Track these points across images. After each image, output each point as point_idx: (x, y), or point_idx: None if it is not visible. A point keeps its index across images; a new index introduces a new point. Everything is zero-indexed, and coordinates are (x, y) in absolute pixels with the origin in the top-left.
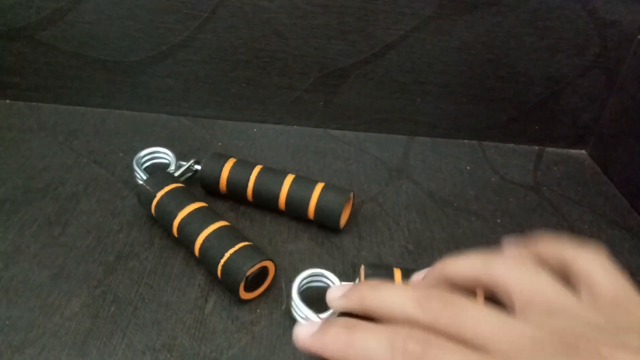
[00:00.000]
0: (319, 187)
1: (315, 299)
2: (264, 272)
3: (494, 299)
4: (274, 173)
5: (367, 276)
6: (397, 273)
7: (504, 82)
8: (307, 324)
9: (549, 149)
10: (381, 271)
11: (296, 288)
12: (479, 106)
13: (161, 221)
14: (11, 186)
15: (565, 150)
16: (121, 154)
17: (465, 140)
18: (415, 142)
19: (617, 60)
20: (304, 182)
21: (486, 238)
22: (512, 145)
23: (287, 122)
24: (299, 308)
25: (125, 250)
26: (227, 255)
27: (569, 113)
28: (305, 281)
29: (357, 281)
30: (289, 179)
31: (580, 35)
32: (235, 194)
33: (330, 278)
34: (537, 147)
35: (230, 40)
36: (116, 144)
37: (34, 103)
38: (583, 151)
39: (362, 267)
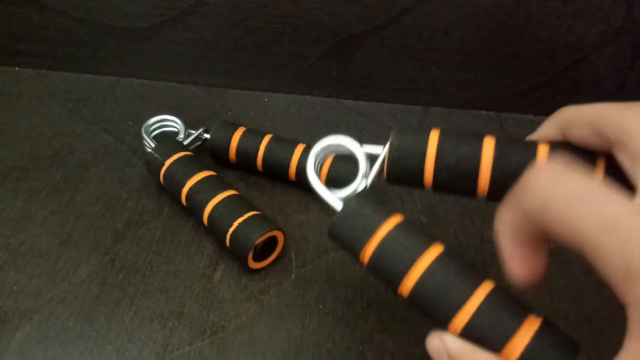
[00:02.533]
0: (331, 156)
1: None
2: (273, 241)
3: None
4: (285, 142)
5: (393, 150)
6: (434, 139)
7: (524, 50)
8: None
9: None
10: (413, 133)
11: (314, 163)
12: (497, 75)
13: (170, 189)
14: (20, 153)
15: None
16: (130, 122)
17: (483, 111)
18: (430, 112)
19: None
20: None
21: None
22: (530, 116)
23: (299, 92)
24: (322, 193)
25: (134, 218)
26: (235, 224)
27: (591, 83)
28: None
29: (386, 146)
30: (300, 148)
31: (606, 0)
32: (244, 164)
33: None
34: None
35: (240, 5)
36: (125, 112)
37: (43, 71)
38: None
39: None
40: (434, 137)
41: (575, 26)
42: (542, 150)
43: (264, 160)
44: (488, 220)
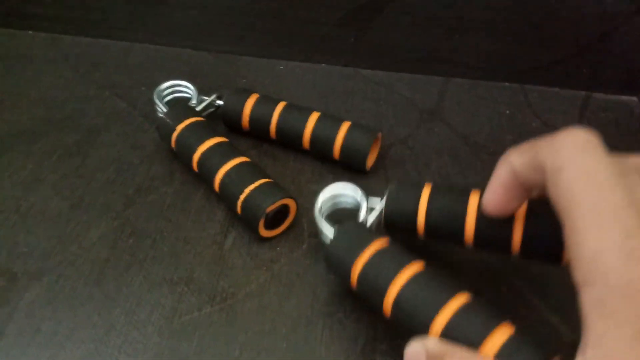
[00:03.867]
0: (345, 125)
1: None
2: (284, 210)
3: None
4: (299, 110)
5: (391, 195)
6: (426, 191)
7: (551, 20)
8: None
9: (597, 95)
10: (408, 188)
11: (318, 211)
12: (523, 46)
13: (181, 155)
14: (32, 116)
15: (614, 97)
16: (143, 88)
17: (507, 83)
18: (451, 83)
19: None
20: (330, 121)
21: None
22: (556, 89)
23: (315, 60)
24: (324, 230)
25: (144, 184)
26: (247, 191)
27: (621, 55)
28: (326, 205)
29: (384, 199)
30: (314, 117)
31: None
32: (257, 131)
33: (351, 193)
34: (583, 92)
35: None
36: (138, 78)
37: (56, 35)
38: (634, 98)
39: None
40: (425, 192)
41: None
42: (522, 209)
43: (277, 128)
44: None
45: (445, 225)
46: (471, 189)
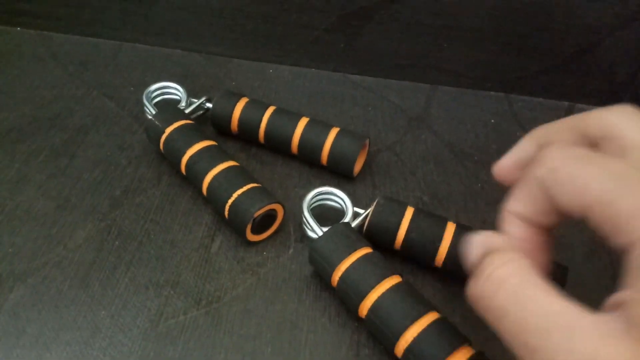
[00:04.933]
0: (334, 131)
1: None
2: (272, 215)
3: None
4: (288, 115)
5: (378, 207)
6: (410, 211)
7: (538, 31)
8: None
9: (580, 105)
10: (395, 205)
11: (307, 205)
12: (509, 56)
13: (169, 158)
14: (19, 115)
15: (596, 108)
16: (132, 88)
17: (492, 92)
18: (438, 91)
19: None
20: (319, 126)
21: (507, 194)
22: (540, 99)
23: (305, 64)
24: (310, 224)
25: (132, 185)
26: (235, 195)
27: (604, 67)
28: (315, 199)
29: (370, 209)
30: (303, 122)
31: None
32: (246, 135)
33: (340, 196)
34: (567, 103)
35: None
36: (127, 78)
37: (45, 32)
38: None
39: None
40: (408, 213)
41: (592, 8)
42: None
43: (266, 132)
44: (491, 203)
45: (421, 246)
46: (448, 219)
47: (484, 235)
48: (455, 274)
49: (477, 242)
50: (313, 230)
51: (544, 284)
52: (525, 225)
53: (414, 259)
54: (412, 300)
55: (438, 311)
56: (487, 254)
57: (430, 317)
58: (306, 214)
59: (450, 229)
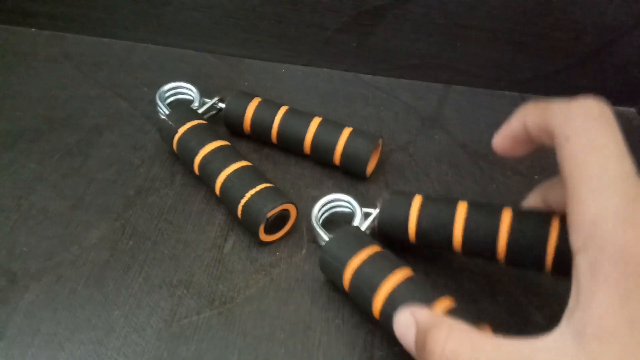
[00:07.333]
0: (347, 131)
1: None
2: (285, 215)
3: None
4: (300, 115)
5: (385, 202)
6: (417, 199)
7: (553, 30)
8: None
9: None
10: (401, 198)
11: (315, 217)
12: (523, 55)
13: (182, 158)
14: (33, 115)
15: (613, 108)
16: (145, 89)
17: (506, 92)
18: (451, 90)
19: None
20: (331, 126)
21: (522, 195)
22: (555, 99)
23: (317, 64)
24: (321, 235)
25: (145, 185)
26: (248, 195)
27: (620, 67)
28: (322, 210)
29: (377, 207)
30: (316, 122)
31: None
32: (259, 135)
33: (347, 200)
34: None
35: None
36: (140, 78)
37: (58, 33)
38: (632, 109)
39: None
40: (416, 202)
41: (608, 6)
42: (506, 215)
43: (279, 132)
44: (506, 203)
45: (435, 233)
46: (458, 199)
47: (410, 313)
48: (477, 254)
49: (407, 323)
50: (324, 241)
51: (487, 333)
52: (523, 128)
53: (431, 247)
54: (426, 289)
55: (448, 297)
56: (425, 331)
57: (443, 304)
58: (315, 226)
59: (462, 208)
